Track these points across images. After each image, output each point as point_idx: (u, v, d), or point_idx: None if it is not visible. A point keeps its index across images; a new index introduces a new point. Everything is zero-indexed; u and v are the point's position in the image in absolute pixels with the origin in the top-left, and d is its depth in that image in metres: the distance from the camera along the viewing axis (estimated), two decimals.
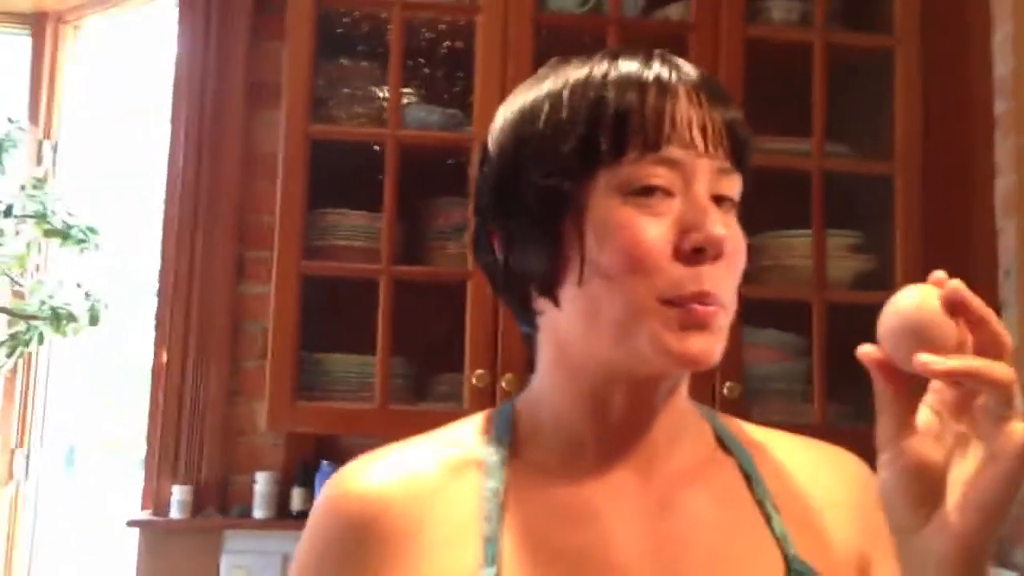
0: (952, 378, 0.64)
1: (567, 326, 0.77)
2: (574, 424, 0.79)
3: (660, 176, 0.73)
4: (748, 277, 2.20)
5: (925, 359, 0.64)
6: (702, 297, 0.71)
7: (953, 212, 1.96)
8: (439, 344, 1.91)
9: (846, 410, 1.87)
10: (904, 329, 0.65)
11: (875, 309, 0.66)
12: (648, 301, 0.71)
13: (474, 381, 1.81)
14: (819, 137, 1.92)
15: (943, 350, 0.64)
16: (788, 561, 0.75)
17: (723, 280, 0.73)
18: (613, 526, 0.75)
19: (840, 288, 1.91)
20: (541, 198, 0.75)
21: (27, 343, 2.19)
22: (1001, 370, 0.63)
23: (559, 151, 0.74)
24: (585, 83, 0.75)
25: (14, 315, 2.22)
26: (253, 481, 2.07)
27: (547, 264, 0.75)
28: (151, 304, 2.20)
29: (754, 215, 1.85)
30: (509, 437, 0.80)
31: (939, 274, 0.66)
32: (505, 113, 0.80)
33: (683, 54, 1.88)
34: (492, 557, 0.72)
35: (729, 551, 0.76)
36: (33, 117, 2.59)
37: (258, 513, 2.06)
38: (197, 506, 2.09)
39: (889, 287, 1.83)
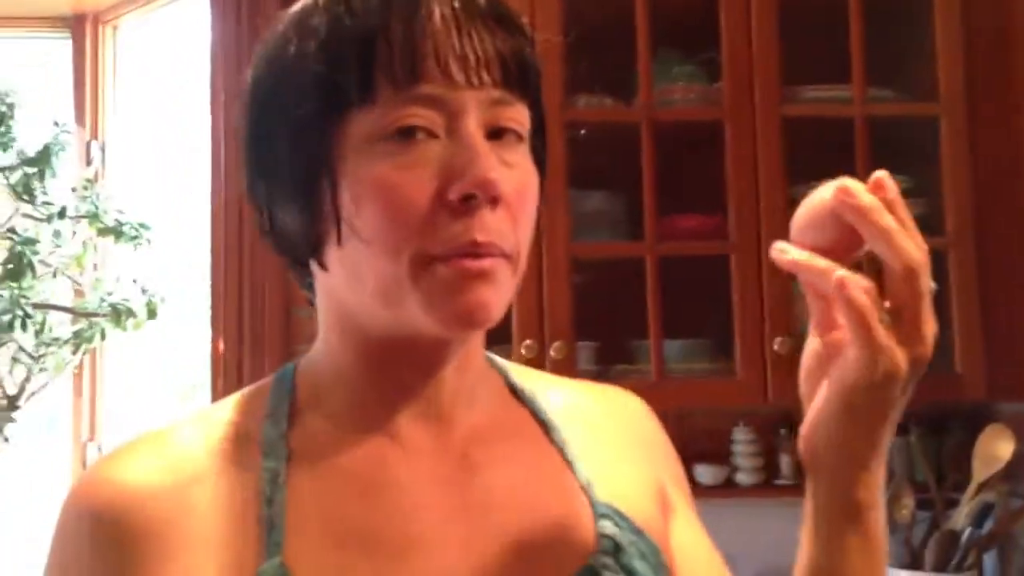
0: (797, 271, 0.64)
1: (336, 288, 0.69)
2: (358, 385, 0.71)
3: (416, 116, 0.63)
4: None
5: (780, 246, 0.64)
6: (474, 248, 0.63)
7: (1001, 148, 1.91)
8: None
9: None
10: (800, 219, 0.65)
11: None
12: (410, 265, 0.63)
13: (523, 352, 1.81)
14: (860, 82, 1.87)
15: (827, 249, 0.64)
16: (595, 507, 0.72)
17: (503, 227, 0.64)
18: (411, 494, 0.68)
19: None
20: (291, 151, 0.66)
21: (90, 339, 2.25)
22: (857, 289, 0.61)
23: (303, 95, 0.64)
24: (329, 11, 0.65)
25: (77, 313, 2.28)
26: None
27: (305, 226, 0.67)
28: (206, 293, 2.25)
29: (798, 167, 1.83)
30: (287, 407, 0.71)
31: (879, 173, 0.64)
32: (260, 48, 0.70)
33: (713, 9, 1.87)
34: (276, 545, 0.63)
35: (536, 506, 0.71)
36: (79, 118, 2.64)
37: None
38: None
39: (939, 231, 1.79)
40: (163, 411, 2.83)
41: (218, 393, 2.17)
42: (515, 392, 0.78)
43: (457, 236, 0.63)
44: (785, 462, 2.03)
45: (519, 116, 0.67)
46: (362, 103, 0.63)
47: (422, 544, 0.66)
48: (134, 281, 2.32)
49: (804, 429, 0.68)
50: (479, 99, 0.64)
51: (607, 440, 0.78)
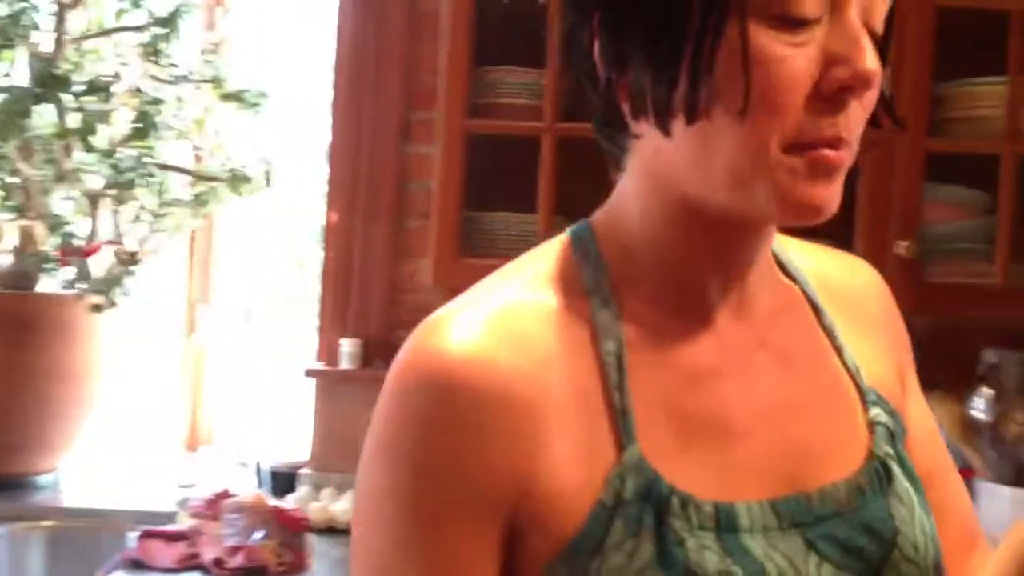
0: None
1: (674, 160, 0.66)
2: (683, 268, 0.69)
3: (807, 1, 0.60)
4: (932, 130, 2.05)
5: None
6: (835, 142, 0.62)
7: None
8: (602, 201, 1.89)
9: None
10: None
11: None
12: (773, 149, 0.61)
13: None
14: None
15: None
16: (864, 394, 0.73)
17: (859, 123, 0.63)
18: (732, 386, 0.68)
19: None
20: (665, 7, 0.62)
21: (208, 203, 2.30)
22: None
23: None
24: None
25: (196, 176, 2.32)
26: None
27: (663, 88, 0.63)
28: (321, 165, 2.28)
29: (940, 62, 1.73)
30: (608, 283, 0.69)
31: None
32: None
33: None
34: (631, 435, 0.64)
35: (824, 395, 0.72)
36: None
37: None
38: (365, 359, 2.19)
39: None
40: (272, 276, 2.90)
41: (329, 262, 2.21)
42: (780, 264, 0.76)
43: (828, 128, 0.61)
44: None
45: (883, 10, 0.64)
46: None
47: (747, 435, 0.67)
48: (252, 148, 2.35)
49: None
50: None
51: (857, 316, 0.77)
